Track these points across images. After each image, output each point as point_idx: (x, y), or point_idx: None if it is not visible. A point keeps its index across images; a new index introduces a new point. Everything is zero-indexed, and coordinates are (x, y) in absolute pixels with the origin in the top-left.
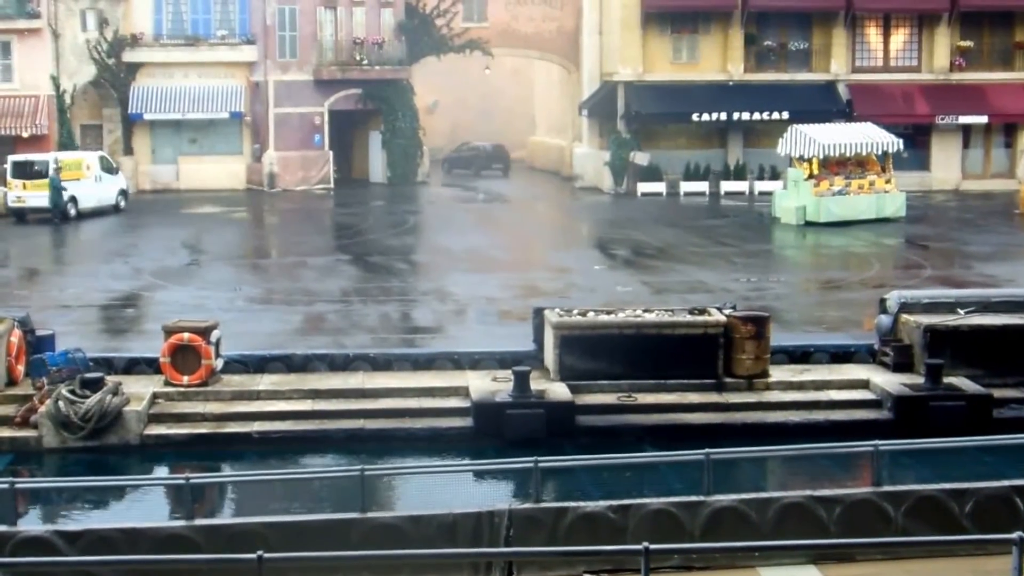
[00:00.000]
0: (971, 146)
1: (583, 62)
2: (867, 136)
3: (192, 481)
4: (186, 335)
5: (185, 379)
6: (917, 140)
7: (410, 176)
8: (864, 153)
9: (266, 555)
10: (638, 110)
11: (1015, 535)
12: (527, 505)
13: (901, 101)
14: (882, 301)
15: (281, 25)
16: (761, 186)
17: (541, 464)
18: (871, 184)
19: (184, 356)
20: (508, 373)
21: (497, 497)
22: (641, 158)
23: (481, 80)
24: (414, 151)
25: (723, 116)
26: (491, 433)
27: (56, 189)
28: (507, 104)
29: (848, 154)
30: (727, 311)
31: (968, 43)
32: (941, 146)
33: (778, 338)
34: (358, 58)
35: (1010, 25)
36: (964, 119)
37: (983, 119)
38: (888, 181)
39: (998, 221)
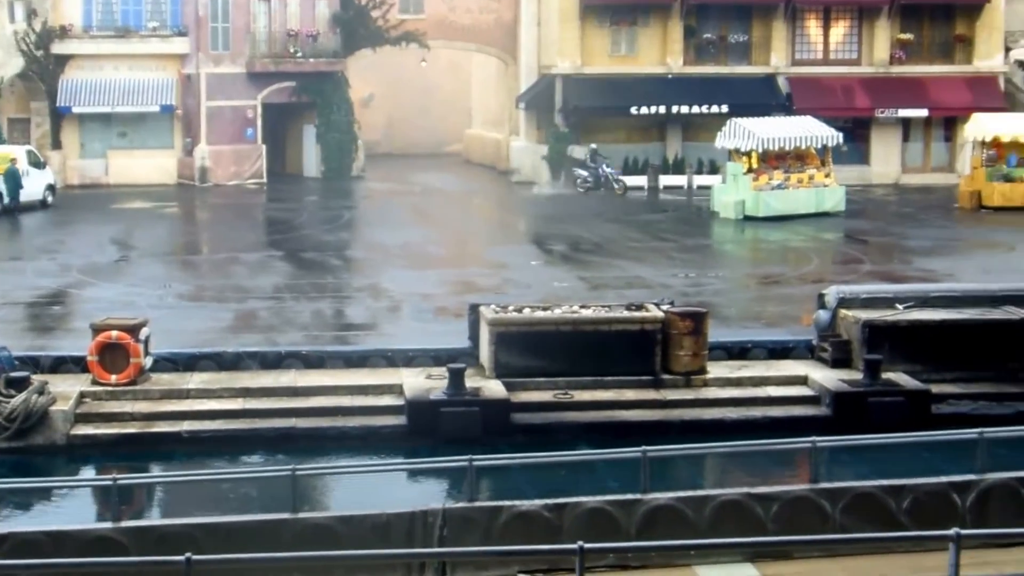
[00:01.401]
0: (911, 139)
1: (520, 55)
2: (807, 130)
3: (120, 482)
4: (114, 333)
5: (113, 378)
6: (857, 134)
7: (345, 170)
8: (803, 147)
9: (195, 557)
10: (576, 103)
11: (952, 532)
12: (461, 504)
13: (841, 94)
14: (821, 296)
15: (213, 16)
16: (700, 180)
17: (476, 463)
18: (810, 178)
19: (112, 354)
20: (443, 370)
21: (431, 496)
22: (578, 152)
23: (417, 73)
24: (349, 145)
25: (662, 109)
26: (425, 431)
27: (15, 180)
28: (444, 97)
29: (787, 148)
30: (665, 307)
31: (908, 36)
32: (881, 140)
33: (716, 334)
34: (292, 50)
35: (950, 18)
36: (904, 112)
37: (923, 112)
38: (827, 175)
39: (938, 215)
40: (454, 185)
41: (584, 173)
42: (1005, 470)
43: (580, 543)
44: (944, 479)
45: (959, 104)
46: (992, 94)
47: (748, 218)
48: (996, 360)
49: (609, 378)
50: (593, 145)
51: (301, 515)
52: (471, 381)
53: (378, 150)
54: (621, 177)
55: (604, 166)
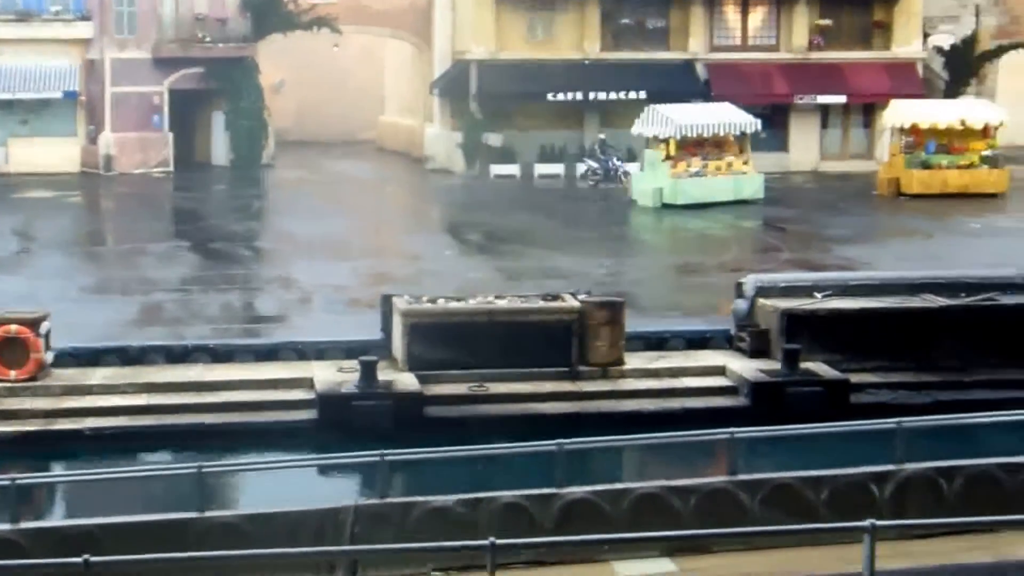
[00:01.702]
0: (829, 126)
1: (435, 40)
2: (725, 116)
3: (18, 482)
4: (13, 327)
5: (12, 373)
6: (775, 120)
7: (255, 158)
8: (722, 134)
9: (93, 559)
10: (491, 89)
11: (867, 523)
12: (373, 501)
13: (759, 81)
14: (739, 285)
15: (118, 0)
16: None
17: (388, 457)
18: (729, 165)
19: (11, 349)
20: (355, 363)
21: (343, 493)
22: (494, 139)
23: (330, 59)
24: (259, 132)
25: (579, 96)
26: (337, 426)
27: None
28: (356, 83)
29: (706, 135)
30: (581, 297)
31: (826, 21)
32: (799, 126)
33: (633, 324)
34: (200, 35)
35: (868, 3)
36: (822, 99)
37: (841, 99)
38: (746, 162)
39: (856, 203)
40: (367, 173)
41: (594, 165)
42: (924, 460)
43: (492, 539)
44: (863, 470)
45: (878, 90)
46: (910, 80)
47: (666, 206)
48: (915, 349)
49: (525, 370)
50: (601, 135)
51: (208, 514)
52: (383, 374)
53: (289, 137)
54: (628, 169)
55: (615, 159)
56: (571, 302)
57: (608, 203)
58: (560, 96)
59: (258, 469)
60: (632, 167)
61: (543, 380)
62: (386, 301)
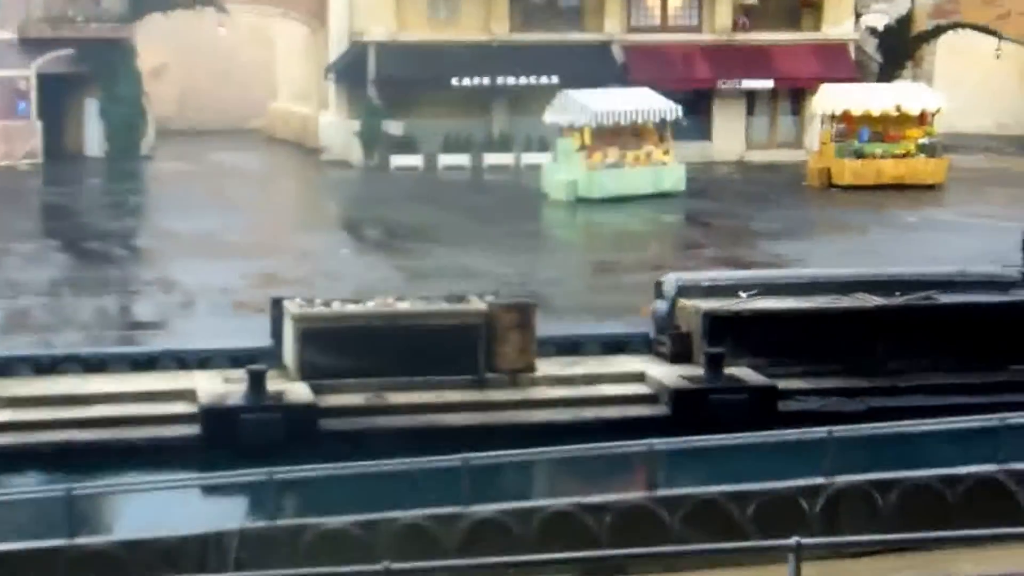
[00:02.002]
0: (756, 113)
1: (330, 20)
2: (644, 103)
3: None
4: None
5: None
6: (698, 107)
7: (132, 149)
8: (640, 121)
9: None
10: (391, 74)
11: (792, 541)
12: (260, 524)
13: (680, 64)
14: (658, 285)
15: None
16: (528, 158)
17: (277, 476)
18: (648, 156)
19: None
20: (242, 373)
21: (228, 516)
22: (394, 128)
23: (215, 41)
24: (137, 121)
25: (486, 81)
26: (222, 442)
27: None
28: (245, 68)
29: (623, 122)
30: (489, 299)
31: (752, 1)
32: (723, 113)
33: (545, 328)
34: (71, 14)
35: None
36: (748, 84)
37: (768, 84)
38: (666, 152)
39: (785, 195)
40: (256, 165)
41: None
42: (857, 472)
43: (387, 563)
44: (791, 483)
45: (807, 74)
46: (842, 63)
47: (581, 200)
48: (848, 352)
49: (428, 378)
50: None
51: (79, 541)
52: (273, 384)
53: (171, 126)
54: None
55: None
56: (478, 304)
57: (519, 197)
58: (466, 81)
59: (134, 491)
60: (543, 158)
61: (448, 389)
62: (276, 305)
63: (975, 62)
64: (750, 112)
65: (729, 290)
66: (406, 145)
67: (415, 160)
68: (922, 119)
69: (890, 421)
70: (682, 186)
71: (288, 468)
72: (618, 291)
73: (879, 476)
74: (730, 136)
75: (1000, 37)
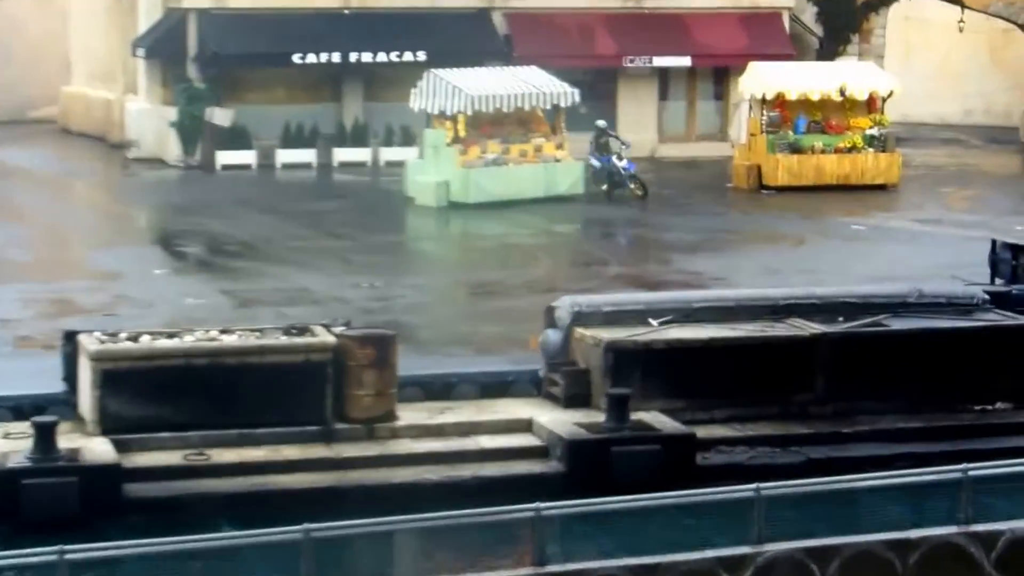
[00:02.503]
0: (670, 98)
1: None
2: (532, 85)
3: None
4: None
5: None
6: (599, 90)
7: None
8: (528, 108)
9: None
10: (217, 49)
11: None
12: None
13: (577, 37)
14: (550, 311)
15: None
16: (389, 154)
17: (69, 556)
18: (537, 150)
19: None
20: (26, 426)
21: None
22: (221, 116)
23: None
24: None
25: (336, 58)
26: (2, 513)
27: None
28: (30, 42)
29: (506, 109)
30: (339, 330)
31: None
32: (631, 98)
33: (410, 365)
34: None
35: None
36: (660, 61)
37: (685, 61)
38: (560, 146)
39: (706, 199)
40: (45, 164)
41: (595, 164)
42: (791, 538)
43: None
44: (711, 553)
45: (732, 50)
46: (775, 37)
47: (454, 205)
48: (780, 391)
49: (262, 430)
50: (601, 121)
51: None
52: (66, 440)
53: None
54: (624, 170)
55: (616, 156)
56: (324, 337)
57: (376, 202)
58: (311, 58)
59: None
60: (408, 154)
61: (287, 444)
62: (70, 340)
63: (934, 37)
64: (663, 96)
65: (637, 316)
66: (236, 138)
67: (247, 157)
68: (871, 105)
69: (832, 476)
70: (580, 188)
71: (83, 546)
72: (500, 319)
73: (818, 543)
74: (639, 126)
75: (963, 7)
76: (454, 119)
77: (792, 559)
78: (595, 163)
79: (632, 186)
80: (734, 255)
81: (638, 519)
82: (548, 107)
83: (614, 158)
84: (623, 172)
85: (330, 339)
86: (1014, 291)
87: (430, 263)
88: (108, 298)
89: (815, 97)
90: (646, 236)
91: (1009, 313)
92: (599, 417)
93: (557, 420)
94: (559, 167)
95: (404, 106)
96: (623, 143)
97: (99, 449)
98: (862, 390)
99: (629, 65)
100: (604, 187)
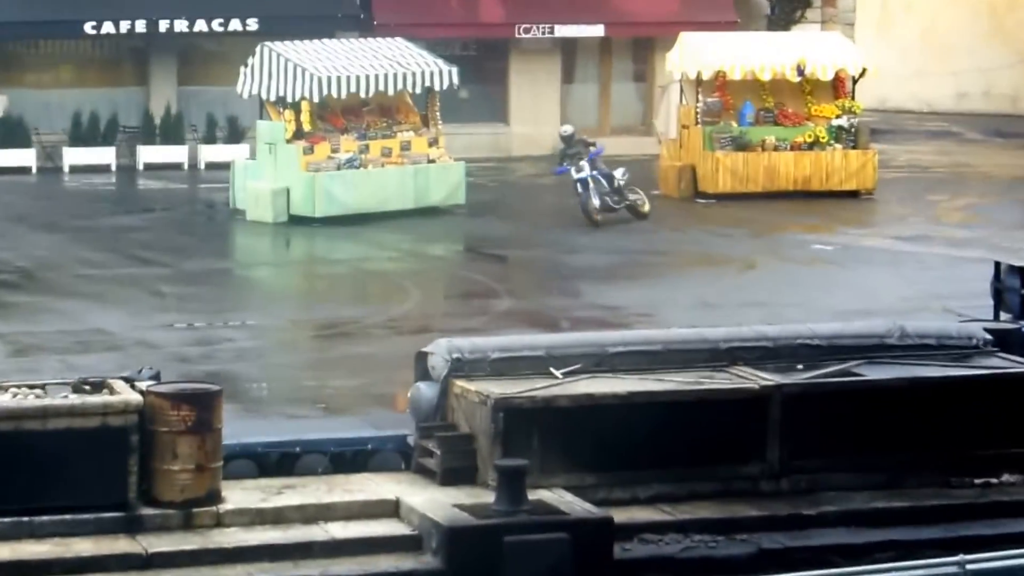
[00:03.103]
0: (577, 79)
1: None
2: (397, 62)
3: None
4: None
5: None
6: (485, 69)
7: None
8: (392, 92)
9: None
10: None
11: None
12: None
13: (456, 1)
14: (421, 358)
15: None
16: (211, 154)
17: None
18: (405, 148)
19: None
20: None
21: None
22: None
23: None
24: None
25: (141, 26)
26: None
27: None
28: None
29: (364, 94)
30: (145, 385)
31: None
32: (526, 80)
33: (239, 430)
34: None
35: None
36: (565, 31)
37: (597, 31)
38: (435, 143)
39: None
40: None
41: (575, 175)
42: None
43: None
44: None
45: (657, 16)
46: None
47: (297, 220)
48: (723, 461)
49: (45, 518)
50: (566, 127)
51: None
52: None
53: None
54: (619, 180)
55: (586, 161)
56: (127, 394)
57: (195, 216)
58: (108, 27)
59: None
60: (236, 153)
61: (77, 535)
62: None
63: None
64: (568, 78)
65: (535, 365)
66: (10, 133)
67: (25, 157)
68: (838, 88)
69: (791, 572)
70: (461, 198)
71: None
72: (356, 368)
73: None
74: (537, 116)
75: None
76: (296, 108)
77: None
78: (576, 173)
79: (611, 202)
80: (661, 284)
81: None
82: (419, 91)
83: (585, 161)
84: (593, 180)
85: (134, 397)
86: None
87: (266, 296)
88: None
89: (765, 77)
90: (546, 259)
91: (1017, 358)
92: (487, 497)
93: (432, 501)
94: (433, 170)
95: (231, 91)
96: (590, 144)
97: None
98: (828, 459)
99: (524, 36)
100: (605, 202)
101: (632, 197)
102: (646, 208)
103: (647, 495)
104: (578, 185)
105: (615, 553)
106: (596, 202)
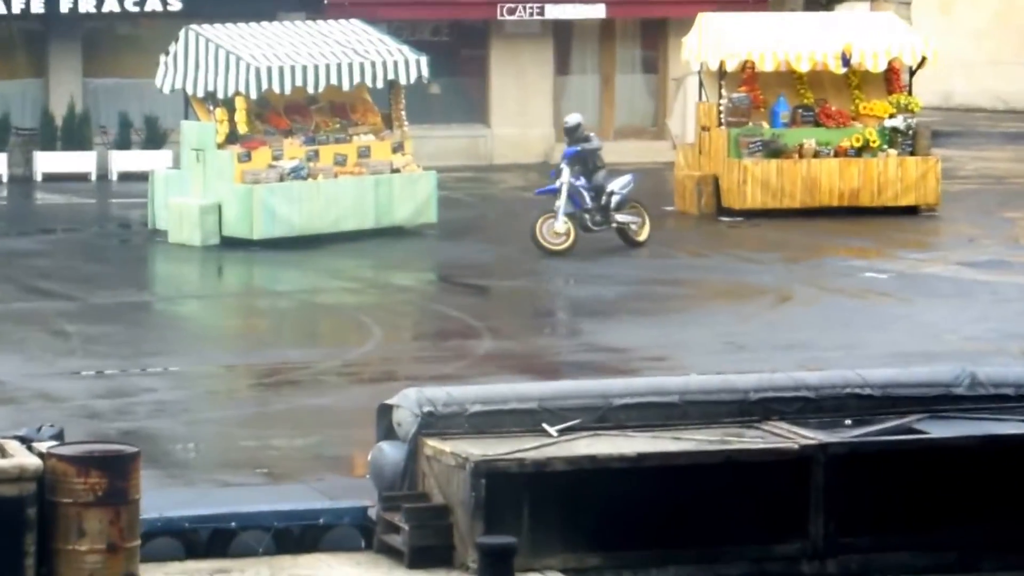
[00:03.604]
0: (574, 70)
1: None
2: (353, 50)
3: None
4: None
5: None
6: (461, 59)
7: None
8: (347, 86)
9: None
10: None
11: None
12: None
13: None
14: (385, 412)
15: None
16: (125, 161)
17: None
18: (362, 154)
19: None
20: None
21: None
22: None
23: None
24: None
25: (37, 5)
26: None
27: None
28: None
29: (313, 88)
30: (44, 446)
31: None
32: (511, 71)
33: (161, 501)
34: None
35: None
36: (557, 11)
37: (597, 11)
38: (399, 147)
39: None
40: None
41: (560, 184)
42: None
43: None
44: None
45: None
46: None
47: (231, 243)
48: (754, 538)
49: None
50: (572, 116)
51: None
52: None
53: None
54: (614, 192)
55: (564, 162)
56: (21, 457)
57: (106, 239)
58: None
59: None
60: (156, 161)
61: None
62: None
63: None
64: (563, 69)
65: (524, 420)
66: None
67: None
68: (892, 81)
69: None
70: (431, 215)
71: None
72: (305, 425)
73: None
74: (525, 115)
75: None
76: (229, 105)
77: None
78: (580, 189)
79: (612, 221)
80: (678, 321)
81: None
82: (379, 85)
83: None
84: (583, 193)
85: (31, 461)
86: None
87: (193, 336)
88: None
89: (803, 67)
90: (538, 291)
91: None
92: None
93: None
94: (398, 182)
95: (148, 84)
96: (594, 145)
97: None
98: (884, 535)
99: (509, 18)
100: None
101: (624, 218)
102: (643, 234)
103: None
104: (576, 202)
105: None
106: (558, 223)
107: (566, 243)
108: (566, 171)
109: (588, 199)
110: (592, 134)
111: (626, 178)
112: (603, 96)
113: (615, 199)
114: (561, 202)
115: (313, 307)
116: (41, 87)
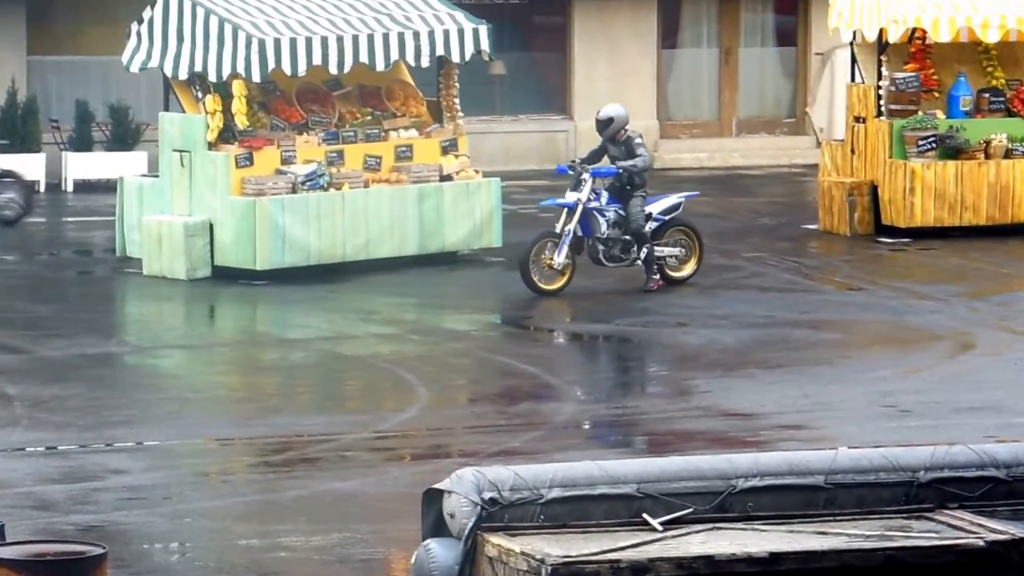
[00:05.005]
0: (685, 43)
1: None
2: (387, 15)
3: None
4: None
5: None
6: (535, 27)
7: None
8: (380, 65)
9: None
10: None
11: None
12: None
13: None
14: (432, 499)
15: None
16: (84, 166)
17: None
18: (402, 156)
19: None
20: None
21: None
22: None
23: None
24: None
25: None
26: None
27: None
28: None
29: (334, 67)
30: None
31: None
32: (600, 44)
33: None
34: None
35: None
36: None
37: None
38: (452, 147)
39: (765, 255)
40: None
41: (573, 198)
42: None
43: None
44: None
45: None
46: None
47: (227, 275)
48: None
49: None
50: (609, 108)
51: None
52: None
53: None
54: (642, 222)
55: (588, 176)
56: None
57: (62, 269)
58: None
59: None
60: (129, 166)
61: None
62: None
63: None
64: (669, 42)
65: (618, 509)
66: None
67: None
68: None
69: None
70: (494, 236)
71: None
72: (324, 517)
73: None
74: (620, 102)
75: None
76: (224, 91)
77: None
78: (596, 214)
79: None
80: (823, 376)
81: None
82: (425, 64)
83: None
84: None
85: None
86: None
87: (176, 400)
88: None
89: (990, 38)
90: (634, 336)
91: None
92: None
93: None
94: (450, 193)
95: (114, 63)
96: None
97: None
98: None
99: None
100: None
101: (662, 251)
102: (686, 270)
103: None
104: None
105: None
106: (559, 255)
107: (560, 282)
108: (587, 185)
109: (605, 226)
110: (640, 138)
111: (674, 199)
112: (722, 77)
113: (652, 225)
114: (570, 227)
115: (336, 360)
116: None
